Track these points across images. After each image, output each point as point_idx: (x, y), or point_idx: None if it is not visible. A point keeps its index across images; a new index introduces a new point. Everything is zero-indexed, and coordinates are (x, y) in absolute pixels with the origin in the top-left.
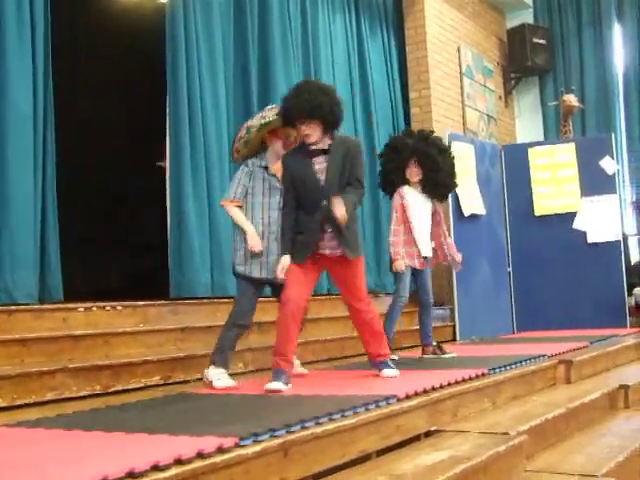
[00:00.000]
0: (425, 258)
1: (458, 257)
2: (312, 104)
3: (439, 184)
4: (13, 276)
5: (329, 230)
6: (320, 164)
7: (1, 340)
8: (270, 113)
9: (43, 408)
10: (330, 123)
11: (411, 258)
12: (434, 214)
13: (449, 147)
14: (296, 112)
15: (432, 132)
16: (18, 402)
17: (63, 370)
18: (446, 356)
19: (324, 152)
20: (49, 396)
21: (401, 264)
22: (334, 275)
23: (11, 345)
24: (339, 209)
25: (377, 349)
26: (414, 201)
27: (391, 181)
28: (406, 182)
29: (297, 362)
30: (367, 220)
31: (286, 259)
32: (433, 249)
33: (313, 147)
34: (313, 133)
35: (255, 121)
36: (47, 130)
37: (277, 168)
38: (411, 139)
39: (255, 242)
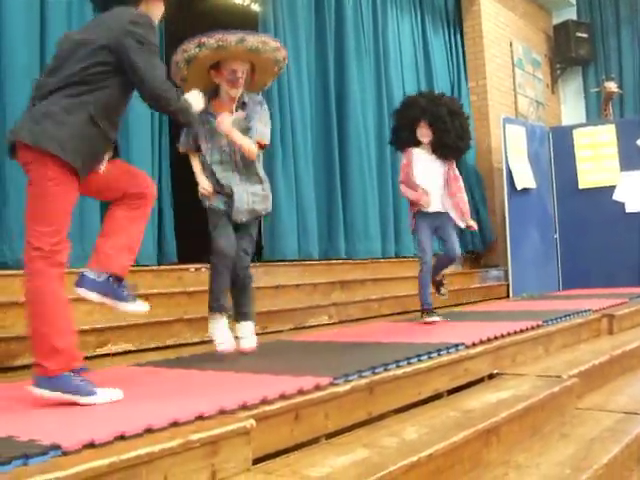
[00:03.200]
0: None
1: (467, 218)
2: None
3: (448, 145)
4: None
5: None
6: None
7: None
8: (191, 45)
9: (164, 352)
10: None
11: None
12: (447, 173)
13: (462, 109)
14: None
15: (443, 94)
16: (144, 347)
17: (179, 321)
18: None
19: None
20: (169, 342)
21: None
22: None
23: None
24: None
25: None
26: (423, 162)
27: (402, 139)
28: (417, 143)
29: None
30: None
31: None
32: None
33: None
34: None
35: (179, 55)
36: (162, 118)
37: (218, 105)
38: (423, 99)
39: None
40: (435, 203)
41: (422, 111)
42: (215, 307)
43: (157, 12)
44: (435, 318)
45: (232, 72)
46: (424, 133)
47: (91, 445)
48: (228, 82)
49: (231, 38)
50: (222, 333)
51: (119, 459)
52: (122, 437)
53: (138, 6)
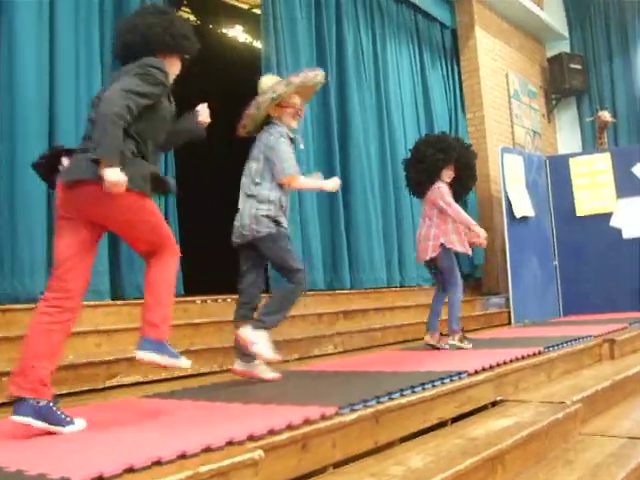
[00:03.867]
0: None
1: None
2: None
3: (467, 189)
4: (143, 275)
5: None
6: None
7: (136, 328)
8: (280, 87)
9: (172, 383)
10: None
11: (462, 244)
12: None
13: None
14: None
15: (470, 144)
16: (153, 378)
17: (186, 352)
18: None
19: None
20: (177, 373)
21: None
22: None
23: None
24: None
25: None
26: None
27: (432, 177)
28: (437, 180)
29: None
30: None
31: None
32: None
33: None
34: None
35: (266, 97)
36: (167, 153)
37: None
38: (457, 143)
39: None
40: None
41: (457, 155)
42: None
43: (174, 69)
44: (469, 345)
45: (295, 106)
46: (450, 174)
47: (100, 478)
48: (293, 115)
49: (311, 74)
50: None
51: None
52: (131, 469)
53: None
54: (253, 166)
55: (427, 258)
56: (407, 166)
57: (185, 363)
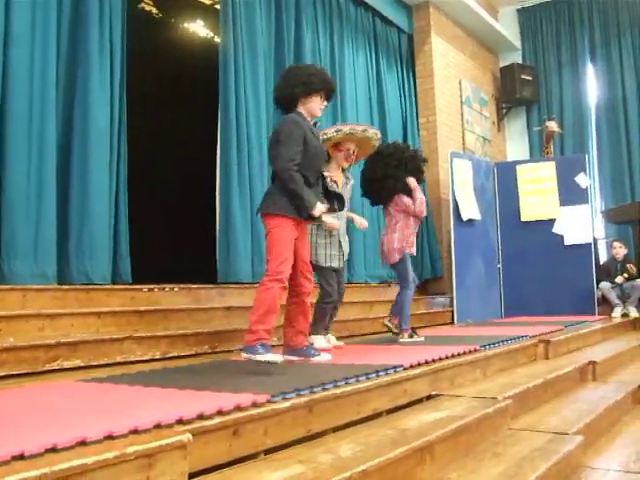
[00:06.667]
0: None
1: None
2: None
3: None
4: (91, 262)
5: None
6: None
7: (81, 313)
8: (331, 130)
9: (114, 369)
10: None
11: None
12: None
13: None
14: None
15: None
16: (94, 363)
17: (130, 338)
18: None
19: None
20: (118, 359)
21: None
22: None
23: (88, 317)
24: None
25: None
26: None
27: (395, 186)
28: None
29: (332, 336)
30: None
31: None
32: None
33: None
34: None
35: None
36: (120, 141)
37: (337, 175)
38: (411, 152)
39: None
40: None
41: (412, 166)
42: None
43: (314, 106)
44: (422, 339)
45: (348, 150)
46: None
47: (21, 457)
48: (345, 157)
49: (358, 128)
50: None
51: (50, 470)
52: (53, 449)
53: (296, 108)
54: None
55: (392, 262)
56: (369, 180)
57: None
